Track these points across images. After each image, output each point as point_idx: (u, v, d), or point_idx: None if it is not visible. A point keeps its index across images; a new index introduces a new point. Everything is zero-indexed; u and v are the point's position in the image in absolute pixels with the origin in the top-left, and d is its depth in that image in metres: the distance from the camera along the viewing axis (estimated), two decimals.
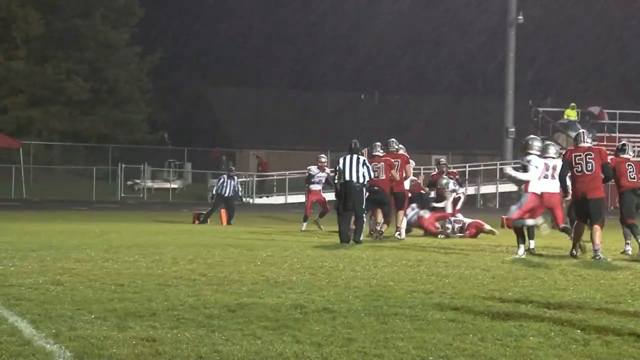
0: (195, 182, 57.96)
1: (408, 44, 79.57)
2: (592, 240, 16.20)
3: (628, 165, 17.52)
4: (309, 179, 25.74)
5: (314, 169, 25.67)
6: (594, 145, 17.08)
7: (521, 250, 16.61)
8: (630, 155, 17.78)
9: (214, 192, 29.46)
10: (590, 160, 16.02)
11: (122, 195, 50.89)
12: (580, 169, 16.03)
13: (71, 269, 13.01)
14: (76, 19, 61.45)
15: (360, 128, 60.93)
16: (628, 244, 17.75)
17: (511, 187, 50.93)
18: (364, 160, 19.52)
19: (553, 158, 16.86)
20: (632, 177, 17.44)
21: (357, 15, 79.92)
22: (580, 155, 16.11)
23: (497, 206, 47.96)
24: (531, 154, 16.65)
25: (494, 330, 8.60)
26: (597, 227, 16.08)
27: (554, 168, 16.73)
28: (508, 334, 8.44)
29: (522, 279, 12.78)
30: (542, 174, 16.47)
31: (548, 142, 17.77)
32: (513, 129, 51.82)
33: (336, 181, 19.65)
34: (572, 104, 53.66)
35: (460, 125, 66.47)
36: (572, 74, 77.36)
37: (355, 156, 19.50)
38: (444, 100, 71.08)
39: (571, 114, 52.72)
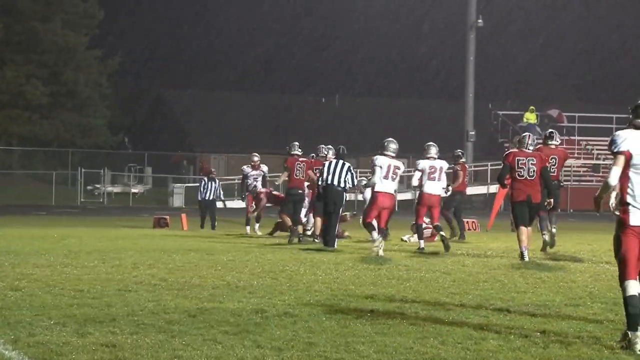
0: (156, 186, 57.77)
1: (372, 47, 79.77)
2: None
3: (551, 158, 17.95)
4: (244, 179, 25.35)
5: (246, 168, 25.37)
6: (549, 147, 17.47)
7: (375, 235, 17.24)
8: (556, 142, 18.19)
9: (198, 198, 28.61)
10: (532, 166, 16.15)
11: (82, 200, 50.62)
12: (522, 174, 16.11)
13: (30, 275, 12.91)
14: (35, 23, 61.02)
15: (322, 131, 61.07)
16: (544, 234, 17.82)
17: (478, 190, 51.47)
18: (349, 166, 19.66)
19: (434, 159, 18.37)
20: (552, 170, 17.67)
21: (320, 19, 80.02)
22: (523, 160, 16.20)
23: None
24: (384, 154, 17.55)
25: (455, 334, 8.63)
26: (530, 230, 16.37)
27: (441, 169, 18.44)
28: (468, 337, 8.47)
29: (483, 282, 12.83)
30: (387, 174, 17.40)
31: (429, 143, 18.92)
32: (473, 132, 52.05)
33: (319, 184, 19.72)
34: (531, 107, 54.02)
35: (421, 129, 66.72)
36: (531, 77, 77.90)
37: (340, 161, 19.60)
38: (405, 103, 71.30)
39: (530, 117, 53.08)
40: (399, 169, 17.63)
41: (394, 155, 17.72)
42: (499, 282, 12.91)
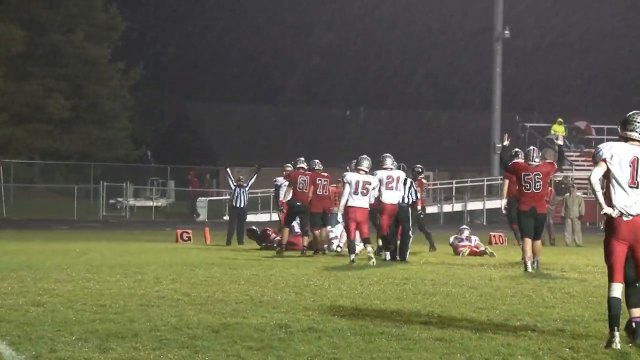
0: (179, 200, 57.85)
1: (397, 58, 79.73)
2: (533, 251, 17.12)
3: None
4: (277, 190, 25.35)
5: (280, 179, 25.36)
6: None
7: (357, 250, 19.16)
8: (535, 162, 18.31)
9: (233, 204, 28.29)
10: (539, 180, 17.15)
11: (104, 213, 50.75)
12: (529, 187, 17.14)
13: (52, 290, 12.95)
14: (57, 35, 61.33)
15: (346, 144, 61.03)
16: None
17: (498, 204, 51.27)
18: (411, 181, 20.19)
19: (391, 169, 19.27)
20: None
21: (345, 30, 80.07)
22: (530, 175, 17.16)
23: (485, 222, 48.01)
24: (356, 170, 18.96)
25: (482, 350, 8.59)
26: (539, 242, 17.48)
27: (398, 179, 19.30)
28: (496, 353, 8.43)
29: (510, 297, 12.78)
30: (356, 189, 18.62)
31: (385, 155, 19.71)
32: (499, 145, 51.92)
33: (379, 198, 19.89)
34: (559, 119, 53.87)
35: (447, 141, 66.60)
36: (559, 88, 77.67)
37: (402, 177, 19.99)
38: (431, 115, 71.15)
39: (558, 129, 52.91)
40: (369, 184, 18.80)
41: (366, 171, 18.95)
42: (526, 296, 12.86)
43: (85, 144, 61.74)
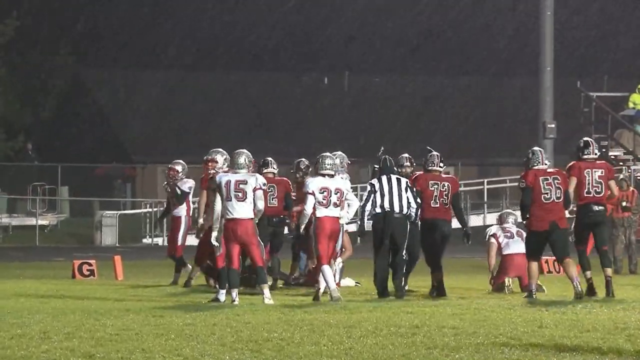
0: (75, 216, 57.70)
1: (390, 7, 79.84)
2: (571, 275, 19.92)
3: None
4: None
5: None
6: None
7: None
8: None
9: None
10: (559, 186, 19.90)
11: None
12: (549, 196, 19.85)
13: None
14: None
15: (324, 124, 61.29)
16: None
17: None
18: (407, 182, 20.59)
19: (330, 176, 20.27)
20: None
21: None
22: (549, 180, 19.86)
23: None
24: (322, 174, 20.26)
25: None
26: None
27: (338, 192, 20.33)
28: None
29: (570, 351, 12.84)
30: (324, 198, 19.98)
31: (324, 154, 20.69)
32: (553, 125, 51.96)
33: (367, 211, 20.65)
34: None
35: (474, 120, 66.78)
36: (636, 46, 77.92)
37: (394, 177, 20.48)
38: (446, 83, 71.30)
39: (639, 100, 53.13)
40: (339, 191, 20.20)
41: (333, 174, 20.30)
42: (595, 350, 12.92)
43: None
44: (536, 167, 20.19)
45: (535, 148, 20.84)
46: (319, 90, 70.09)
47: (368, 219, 20.70)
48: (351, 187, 21.29)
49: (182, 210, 25.80)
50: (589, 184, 20.27)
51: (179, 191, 24.94)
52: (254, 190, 19.54)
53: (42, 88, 72.78)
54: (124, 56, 75.32)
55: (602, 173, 20.43)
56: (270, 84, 69.76)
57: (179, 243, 25.48)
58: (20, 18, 67.11)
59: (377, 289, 20.59)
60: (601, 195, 20.30)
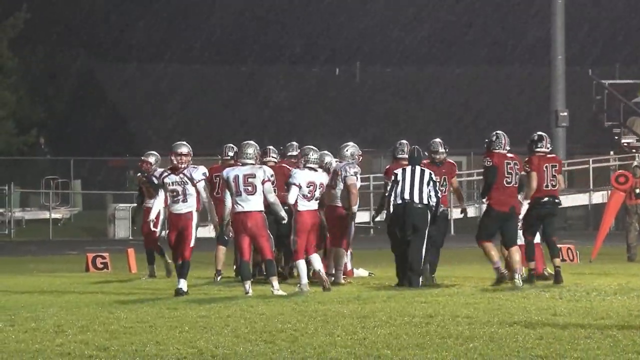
0: (88, 209, 57.70)
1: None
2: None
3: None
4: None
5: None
6: None
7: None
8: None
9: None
10: (518, 171, 20.78)
11: None
12: (510, 180, 20.62)
13: None
14: None
15: (335, 116, 61.17)
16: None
17: (575, 201, 51.42)
18: (430, 174, 20.89)
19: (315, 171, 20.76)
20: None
21: None
22: (510, 164, 20.61)
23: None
24: (307, 167, 20.73)
25: None
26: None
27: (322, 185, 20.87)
28: None
29: (584, 339, 12.81)
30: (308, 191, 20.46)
31: (308, 147, 21.16)
32: (565, 113, 51.88)
33: (392, 200, 21.02)
34: None
35: (486, 110, 66.65)
36: None
37: (418, 168, 20.84)
38: (459, 72, 71.20)
39: None
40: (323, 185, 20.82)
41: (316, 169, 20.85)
42: (609, 338, 12.89)
43: None
44: (497, 151, 20.74)
45: (499, 132, 21.11)
46: (330, 81, 70.03)
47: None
48: (362, 178, 21.50)
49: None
50: (546, 177, 21.00)
51: (155, 181, 24.96)
52: (263, 182, 19.72)
53: (53, 82, 72.75)
54: (136, 49, 75.42)
55: (556, 167, 21.23)
56: (282, 76, 69.74)
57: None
58: (31, 11, 67.00)
59: (398, 277, 20.80)
60: (556, 188, 21.15)
